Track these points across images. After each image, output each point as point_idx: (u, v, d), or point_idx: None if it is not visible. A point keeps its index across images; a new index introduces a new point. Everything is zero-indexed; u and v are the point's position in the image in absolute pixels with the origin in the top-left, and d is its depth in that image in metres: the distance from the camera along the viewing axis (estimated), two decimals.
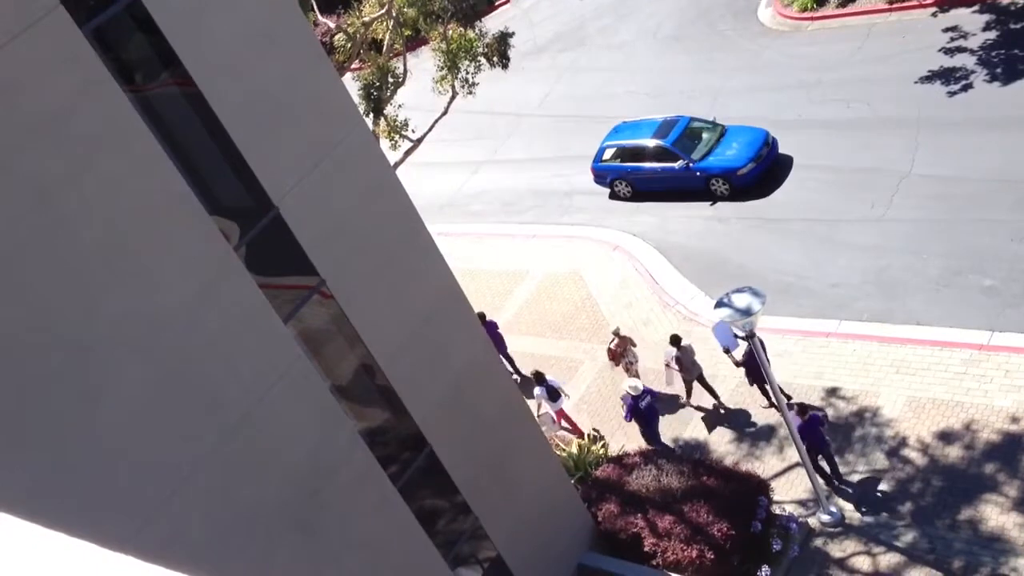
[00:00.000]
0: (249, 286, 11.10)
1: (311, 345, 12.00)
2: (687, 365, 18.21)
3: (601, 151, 25.13)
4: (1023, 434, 15.84)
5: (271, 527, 11.44)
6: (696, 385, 18.54)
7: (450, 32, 21.53)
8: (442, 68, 21.35)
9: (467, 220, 26.92)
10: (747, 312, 13.28)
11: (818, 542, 15.77)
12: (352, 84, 19.84)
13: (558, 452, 17.73)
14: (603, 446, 18.25)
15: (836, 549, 15.58)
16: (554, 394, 18.77)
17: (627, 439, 18.27)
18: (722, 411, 18.48)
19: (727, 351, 17.44)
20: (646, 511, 15.58)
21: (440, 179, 28.29)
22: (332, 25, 23.51)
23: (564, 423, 19.08)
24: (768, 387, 15.94)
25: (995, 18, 24.67)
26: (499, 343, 19.75)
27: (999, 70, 22.99)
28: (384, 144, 19.95)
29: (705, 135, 24.01)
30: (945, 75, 23.57)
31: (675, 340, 18.17)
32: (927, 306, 18.35)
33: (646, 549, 15.24)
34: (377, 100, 20.39)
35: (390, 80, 20.67)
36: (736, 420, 18.28)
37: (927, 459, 16.18)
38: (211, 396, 10.86)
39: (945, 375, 17.15)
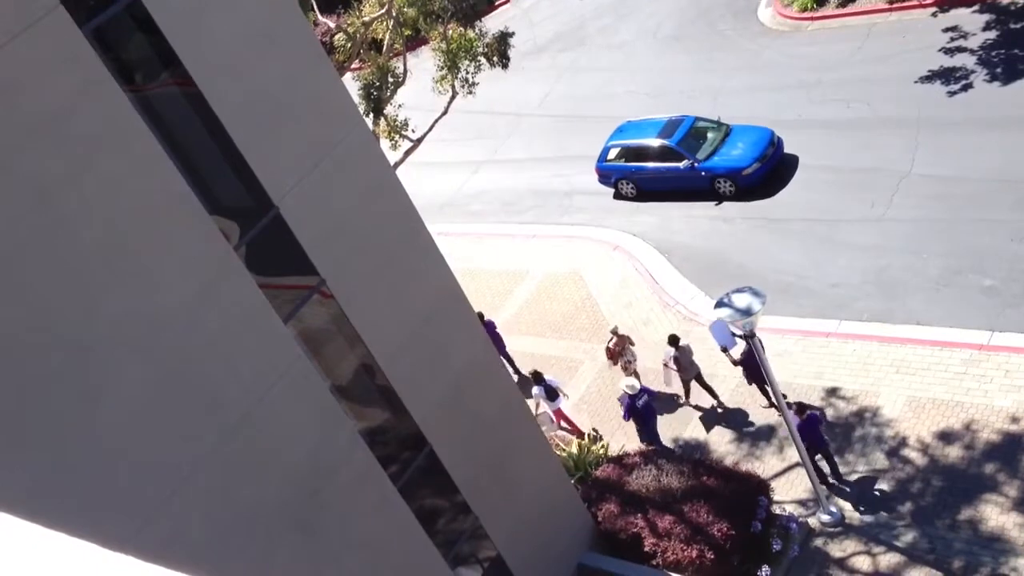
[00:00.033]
0: (249, 286, 11.11)
1: (311, 345, 11.99)
2: (685, 365, 18.22)
3: (605, 151, 25.02)
4: (1023, 434, 15.85)
5: (271, 527, 11.44)
6: (695, 385, 18.56)
7: (450, 32, 21.52)
8: (442, 68, 21.34)
9: (467, 220, 26.91)
10: (747, 312, 13.29)
11: (818, 542, 15.77)
12: (352, 84, 19.84)
13: (558, 452, 17.74)
14: (603, 446, 18.26)
15: (836, 549, 15.58)
16: (552, 394, 18.78)
17: (627, 439, 18.27)
18: (721, 411, 18.49)
19: (724, 350, 17.45)
20: (646, 511, 15.59)
21: (440, 179, 28.29)
22: (332, 25, 23.51)
23: (563, 423, 19.09)
24: (768, 387, 15.94)
25: (995, 18, 24.68)
26: (497, 343, 19.73)
27: (999, 70, 22.99)
28: (384, 144, 19.95)
29: (710, 135, 23.91)
30: (945, 75, 23.57)
31: (673, 340, 18.19)
32: (927, 306, 18.35)
33: (646, 549, 15.24)
34: (377, 100, 20.38)
35: (390, 80, 20.66)
36: (736, 420, 18.27)
37: (927, 459, 16.18)
38: (211, 396, 10.86)
39: (945, 375, 17.15)
